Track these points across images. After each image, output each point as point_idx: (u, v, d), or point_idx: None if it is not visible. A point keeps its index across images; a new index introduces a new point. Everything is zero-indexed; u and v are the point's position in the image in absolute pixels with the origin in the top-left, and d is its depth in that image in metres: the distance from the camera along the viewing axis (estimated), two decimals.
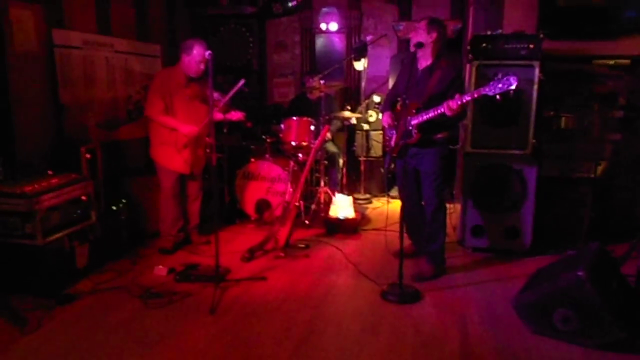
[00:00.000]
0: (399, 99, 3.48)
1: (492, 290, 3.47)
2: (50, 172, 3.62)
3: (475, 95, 3.21)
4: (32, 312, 3.04)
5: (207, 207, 4.45)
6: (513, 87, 3.09)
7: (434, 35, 3.45)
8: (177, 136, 3.93)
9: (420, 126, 3.43)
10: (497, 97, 3.25)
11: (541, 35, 3.85)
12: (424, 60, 3.53)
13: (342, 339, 2.82)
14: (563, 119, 4.29)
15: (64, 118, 4.10)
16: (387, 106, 3.82)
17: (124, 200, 4.17)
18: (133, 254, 4.04)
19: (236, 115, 4.28)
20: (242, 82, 3.72)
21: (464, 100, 3.21)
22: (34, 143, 3.82)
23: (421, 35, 3.48)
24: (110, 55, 4.65)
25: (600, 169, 4.15)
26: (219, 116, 4.17)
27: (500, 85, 3.11)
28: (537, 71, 3.81)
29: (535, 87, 3.82)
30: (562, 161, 4.12)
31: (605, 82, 4.26)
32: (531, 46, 3.81)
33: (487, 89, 3.15)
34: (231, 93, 3.80)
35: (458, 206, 4.39)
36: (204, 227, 4.41)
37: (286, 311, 3.14)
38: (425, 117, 3.38)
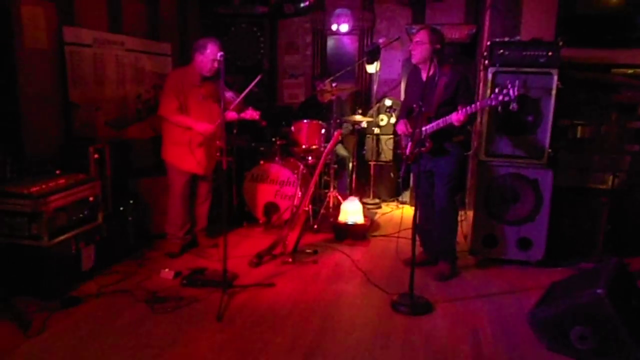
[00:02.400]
0: (414, 106, 3.44)
1: (504, 302, 3.39)
2: (58, 172, 3.58)
3: (479, 107, 3.33)
4: (36, 315, 2.99)
5: (214, 209, 4.40)
6: (512, 97, 3.18)
7: (437, 45, 3.42)
8: (191, 136, 3.87)
9: (433, 135, 3.49)
10: (499, 108, 3.34)
11: (560, 43, 3.76)
12: (427, 71, 3.50)
13: (351, 351, 2.75)
14: (579, 128, 4.20)
15: (73, 116, 4.05)
16: (402, 115, 3.84)
17: (130, 201, 4.12)
18: (139, 256, 3.99)
19: (251, 114, 4.19)
20: (259, 77, 3.78)
21: (469, 112, 3.29)
22: (43, 142, 3.78)
23: (423, 47, 3.45)
24: (120, 54, 4.60)
25: (617, 180, 4.06)
26: (233, 115, 4.11)
27: (500, 97, 3.22)
28: (555, 79, 3.72)
29: (553, 95, 3.74)
30: (578, 171, 4.04)
31: (623, 91, 4.17)
32: (550, 53, 3.72)
33: (489, 100, 3.29)
34: (248, 89, 3.80)
35: (470, 214, 4.31)
36: (211, 229, 4.36)
37: (295, 320, 3.08)
38: (435, 127, 3.45)
